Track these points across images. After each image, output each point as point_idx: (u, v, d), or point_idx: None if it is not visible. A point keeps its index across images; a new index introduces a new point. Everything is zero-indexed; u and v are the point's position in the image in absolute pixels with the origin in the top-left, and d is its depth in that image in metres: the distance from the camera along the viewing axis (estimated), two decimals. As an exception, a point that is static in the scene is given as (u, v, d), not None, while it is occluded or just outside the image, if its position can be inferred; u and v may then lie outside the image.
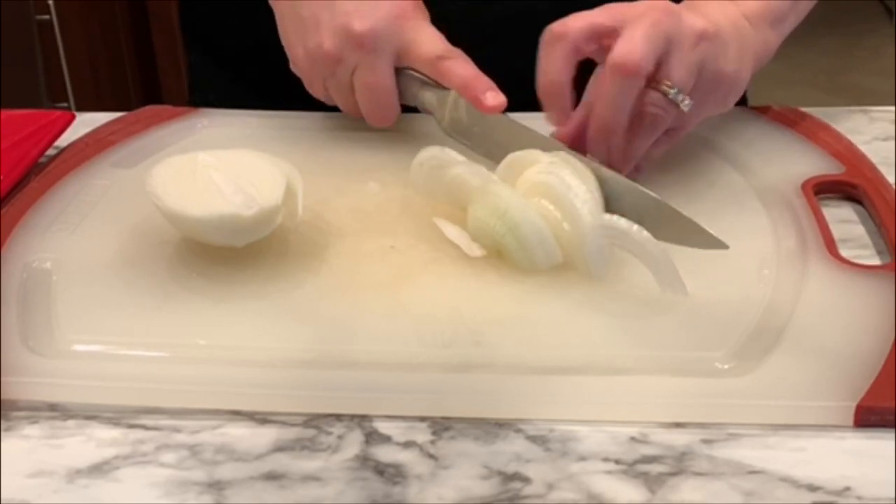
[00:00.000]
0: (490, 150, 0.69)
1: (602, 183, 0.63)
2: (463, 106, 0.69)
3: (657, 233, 0.58)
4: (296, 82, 0.74)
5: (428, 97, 0.71)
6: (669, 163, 0.70)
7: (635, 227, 0.58)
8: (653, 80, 0.63)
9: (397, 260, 0.62)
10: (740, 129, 0.75)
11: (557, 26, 0.64)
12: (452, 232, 0.63)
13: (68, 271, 0.62)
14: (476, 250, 0.62)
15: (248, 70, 0.89)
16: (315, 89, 0.73)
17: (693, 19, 0.64)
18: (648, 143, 0.65)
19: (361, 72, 0.70)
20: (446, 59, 0.69)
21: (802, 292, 0.59)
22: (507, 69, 0.66)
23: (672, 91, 0.63)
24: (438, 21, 0.73)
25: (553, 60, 0.64)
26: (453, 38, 0.72)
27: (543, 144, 0.65)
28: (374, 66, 0.69)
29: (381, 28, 0.69)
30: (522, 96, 0.66)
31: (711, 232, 0.59)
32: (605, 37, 0.64)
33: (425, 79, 0.71)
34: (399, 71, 0.71)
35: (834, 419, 0.51)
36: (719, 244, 0.59)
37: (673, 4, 0.65)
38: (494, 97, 0.67)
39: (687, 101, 0.64)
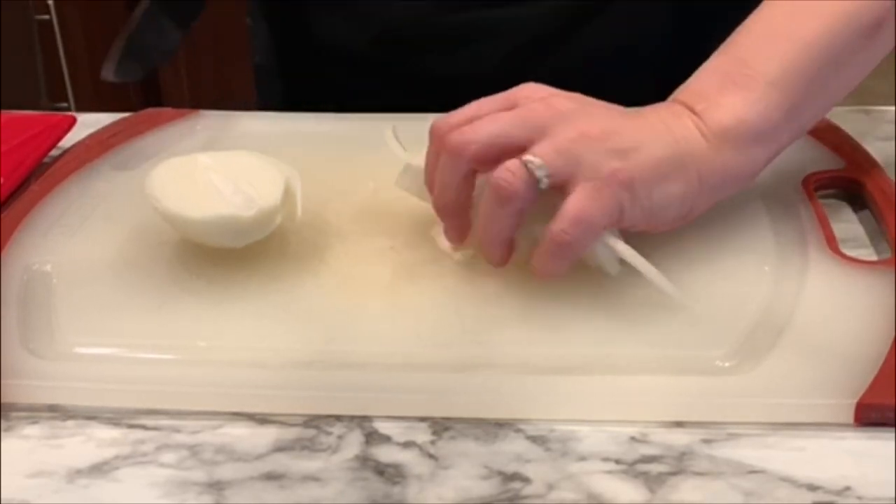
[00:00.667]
0: None
1: None
2: None
3: None
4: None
5: None
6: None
7: (629, 251, 0.57)
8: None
9: (397, 260, 0.62)
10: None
11: (456, 141, 0.57)
12: (445, 242, 0.63)
13: (69, 274, 0.62)
14: (463, 254, 0.62)
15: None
16: None
17: (609, 161, 0.56)
18: (494, 222, 0.57)
19: None
20: None
21: (803, 289, 0.59)
22: (493, 68, 0.66)
23: (533, 161, 0.55)
24: (425, 27, 0.74)
25: (451, 179, 0.58)
26: (435, 41, 0.72)
27: None
28: None
29: None
30: None
31: None
32: (508, 152, 0.56)
33: None
34: None
35: (834, 417, 0.51)
36: None
37: (605, 120, 0.58)
38: None
39: (545, 179, 0.55)
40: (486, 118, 0.57)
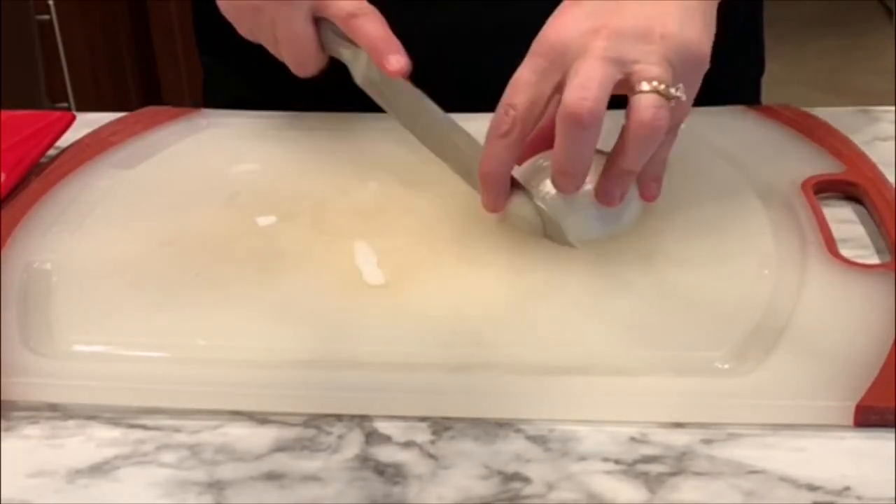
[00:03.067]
0: (399, 114, 0.69)
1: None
2: (375, 65, 0.68)
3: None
4: (305, 84, 0.74)
5: (343, 52, 0.71)
6: (668, 163, 0.70)
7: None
8: (629, 88, 0.58)
9: (397, 260, 0.62)
10: (740, 129, 0.75)
11: (504, 124, 0.60)
12: (361, 255, 0.62)
13: (68, 272, 0.62)
14: (379, 278, 0.61)
15: (258, 72, 0.89)
16: (244, 34, 0.73)
17: (632, 21, 0.59)
18: (662, 150, 0.61)
19: (280, 23, 0.70)
20: (357, 16, 0.68)
21: (802, 292, 0.59)
22: (505, 79, 0.65)
23: (661, 86, 0.57)
24: (435, 29, 0.73)
25: (497, 153, 0.61)
26: (449, 46, 0.71)
27: (445, 126, 0.66)
28: (291, 17, 0.69)
29: None
30: None
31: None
32: (550, 101, 0.60)
33: (341, 33, 0.70)
34: (321, 21, 0.70)
35: (834, 419, 0.51)
36: None
37: (612, 16, 0.59)
38: (398, 61, 0.66)
39: (680, 87, 0.58)
40: (583, 68, 0.58)
